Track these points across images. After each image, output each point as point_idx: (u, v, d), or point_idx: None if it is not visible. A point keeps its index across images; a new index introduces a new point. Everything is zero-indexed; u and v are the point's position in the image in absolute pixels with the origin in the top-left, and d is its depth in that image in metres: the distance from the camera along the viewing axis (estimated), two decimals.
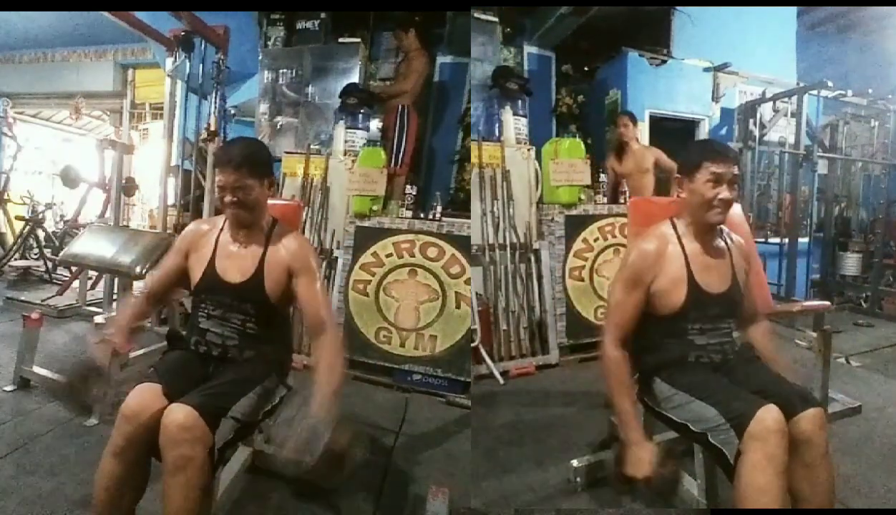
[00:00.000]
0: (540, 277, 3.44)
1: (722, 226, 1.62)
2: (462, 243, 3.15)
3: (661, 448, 1.47)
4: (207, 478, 1.31)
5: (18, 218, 5.70)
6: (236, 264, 1.59)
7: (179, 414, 1.28)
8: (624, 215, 3.33)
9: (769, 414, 1.29)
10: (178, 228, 3.53)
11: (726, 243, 1.64)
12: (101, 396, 1.51)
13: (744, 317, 1.68)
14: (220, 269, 1.59)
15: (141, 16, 3.50)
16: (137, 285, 2.95)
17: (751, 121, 4.67)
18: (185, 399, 1.33)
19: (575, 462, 1.97)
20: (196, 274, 1.62)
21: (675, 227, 1.62)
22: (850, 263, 5.28)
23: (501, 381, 3.09)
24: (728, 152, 1.55)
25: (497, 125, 3.67)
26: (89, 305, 4.19)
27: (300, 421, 1.35)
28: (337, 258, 3.35)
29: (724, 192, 1.51)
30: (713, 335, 1.58)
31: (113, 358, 2.28)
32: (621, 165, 3.94)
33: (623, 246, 3.36)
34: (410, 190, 3.35)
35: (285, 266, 1.59)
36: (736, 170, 1.53)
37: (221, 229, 1.65)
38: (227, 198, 1.54)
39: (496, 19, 4.12)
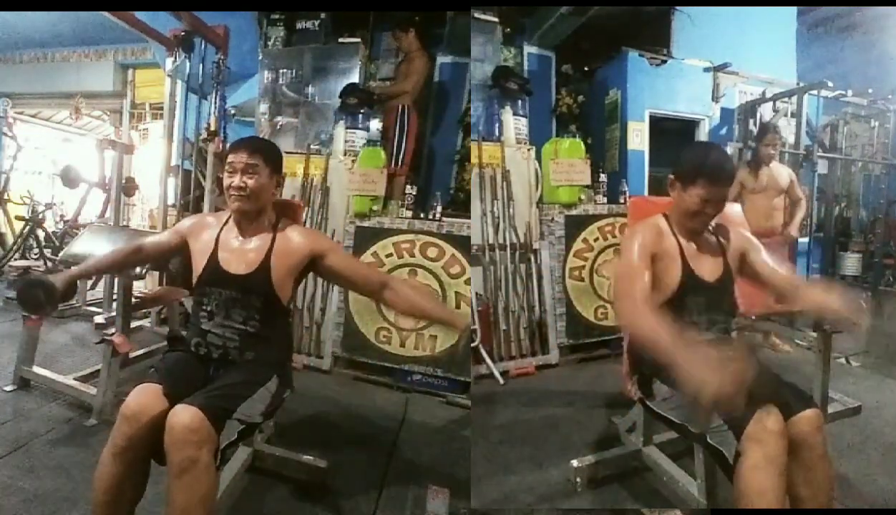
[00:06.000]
0: (540, 277, 3.44)
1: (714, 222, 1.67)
2: (462, 243, 3.15)
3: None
4: (212, 480, 1.30)
5: (18, 218, 5.68)
6: (241, 257, 1.60)
7: (185, 415, 1.27)
8: (624, 215, 3.33)
9: (767, 416, 1.30)
10: None
11: (718, 238, 1.68)
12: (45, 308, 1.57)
13: (784, 292, 1.65)
14: (224, 261, 1.60)
15: (141, 16, 3.50)
16: (138, 285, 2.95)
17: (751, 121, 4.66)
18: (189, 400, 1.32)
19: (575, 462, 1.98)
20: (198, 267, 1.62)
21: (668, 220, 1.68)
22: (850, 263, 5.28)
23: (501, 381, 3.10)
24: (725, 175, 1.56)
25: (497, 125, 3.67)
26: (89, 305, 4.20)
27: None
28: None
29: (710, 209, 1.56)
30: (709, 330, 1.59)
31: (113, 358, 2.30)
32: (756, 181, 3.60)
33: None
34: (410, 190, 3.35)
35: (301, 254, 1.61)
36: (727, 193, 1.58)
37: (225, 224, 1.66)
38: (235, 182, 1.55)
39: (496, 19, 4.11)
